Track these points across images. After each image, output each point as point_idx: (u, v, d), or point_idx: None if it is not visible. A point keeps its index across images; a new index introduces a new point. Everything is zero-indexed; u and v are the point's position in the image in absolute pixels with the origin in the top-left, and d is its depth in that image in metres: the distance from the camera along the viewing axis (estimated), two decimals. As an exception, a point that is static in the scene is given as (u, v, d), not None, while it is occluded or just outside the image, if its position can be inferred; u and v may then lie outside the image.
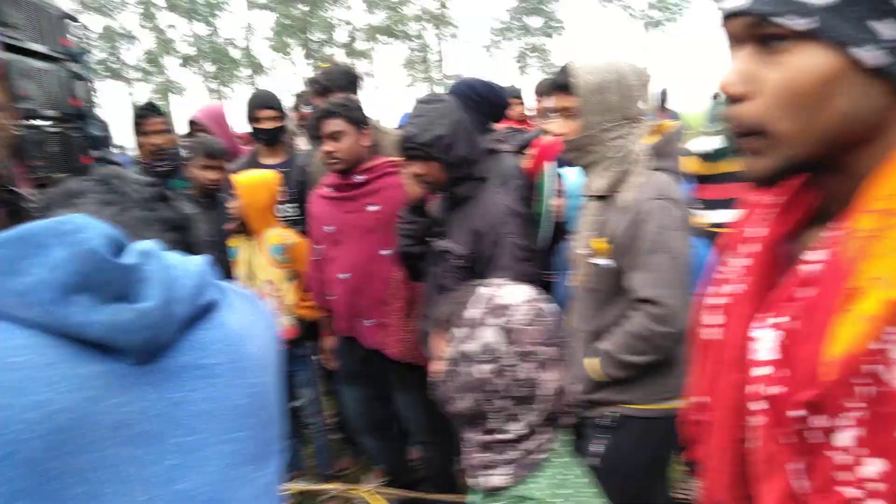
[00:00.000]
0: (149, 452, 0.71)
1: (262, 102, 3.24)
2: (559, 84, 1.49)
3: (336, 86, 2.75)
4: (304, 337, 2.83)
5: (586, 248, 1.54)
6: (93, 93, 2.50)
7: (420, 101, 1.93)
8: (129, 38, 26.39)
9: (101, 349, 0.69)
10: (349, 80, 2.82)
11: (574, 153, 1.52)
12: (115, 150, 5.90)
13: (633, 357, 1.46)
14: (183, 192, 3.04)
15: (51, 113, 2.11)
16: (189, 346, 0.77)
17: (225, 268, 3.01)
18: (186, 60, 26.48)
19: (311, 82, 2.91)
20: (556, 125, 1.50)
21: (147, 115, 3.12)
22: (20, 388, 0.64)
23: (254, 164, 3.37)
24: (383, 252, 2.19)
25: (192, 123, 4.07)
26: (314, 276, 2.65)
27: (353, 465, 3.04)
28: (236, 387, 0.80)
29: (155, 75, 26.23)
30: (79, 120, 2.45)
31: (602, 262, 1.50)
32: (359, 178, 2.19)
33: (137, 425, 0.71)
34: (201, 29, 26.66)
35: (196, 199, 3.04)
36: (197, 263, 0.82)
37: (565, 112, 1.48)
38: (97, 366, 0.69)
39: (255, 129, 3.29)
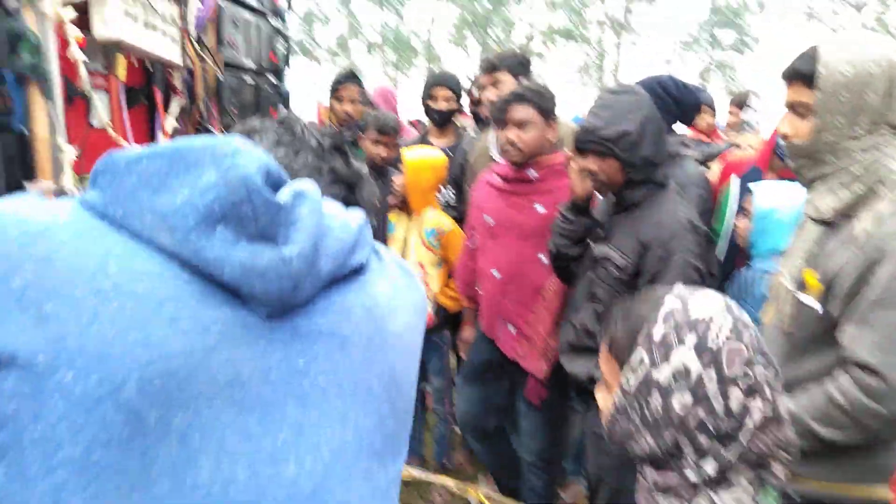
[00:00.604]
0: (261, 422, 0.61)
1: (440, 81, 3.25)
2: (799, 73, 1.19)
3: (505, 65, 2.66)
4: (442, 325, 2.77)
5: (794, 280, 1.25)
6: (289, 52, 2.62)
7: (608, 92, 1.77)
8: (325, 20, 28.37)
9: (232, 293, 0.60)
10: (520, 63, 2.71)
11: (801, 161, 1.23)
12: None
13: (826, 429, 1.16)
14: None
15: (250, 64, 2.22)
16: (328, 307, 0.66)
17: (382, 241, 3.07)
18: (371, 47, 27.99)
19: (483, 61, 2.85)
20: (785, 123, 1.25)
21: (344, 82, 3.24)
22: (135, 321, 0.55)
23: (423, 143, 3.43)
24: (541, 257, 2.03)
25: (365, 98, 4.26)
26: (464, 264, 2.55)
27: (470, 462, 2.96)
28: (373, 364, 0.68)
29: (342, 58, 27.98)
30: (274, 75, 2.58)
31: (810, 301, 1.21)
32: (532, 173, 2.04)
33: (254, 387, 0.60)
34: (390, 18, 28.06)
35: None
36: (357, 220, 0.71)
37: (799, 108, 1.20)
38: (225, 311, 0.60)
39: (428, 107, 3.31)
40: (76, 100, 1.45)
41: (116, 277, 0.56)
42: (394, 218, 3.11)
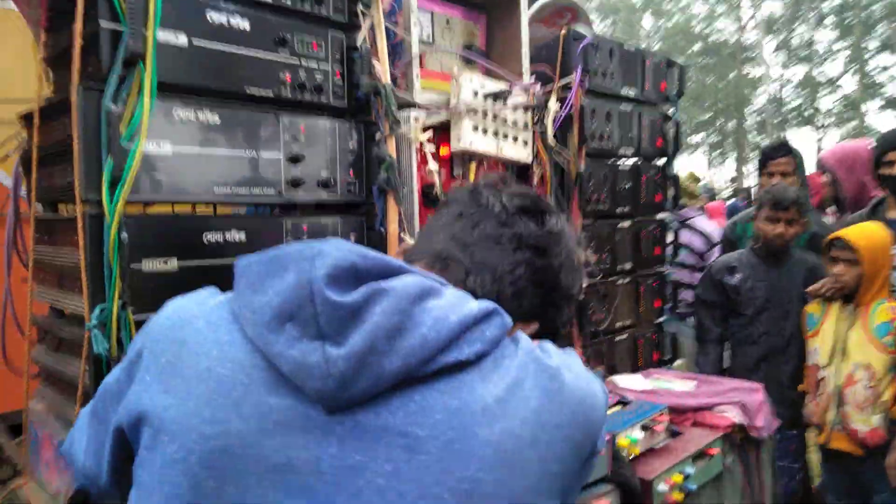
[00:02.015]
0: None
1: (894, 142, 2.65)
2: None
3: None
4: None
5: None
6: (679, 135, 2.57)
7: None
8: (830, 84, 25.66)
9: (297, 386, 0.65)
10: None
11: None
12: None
13: None
14: (753, 241, 2.80)
15: (625, 151, 2.31)
16: (402, 406, 0.65)
17: (789, 333, 2.62)
18: (890, 103, 23.80)
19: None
20: None
21: (774, 155, 2.99)
22: (210, 400, 0.65)
23: (875, 216, 2.83)
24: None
25: (819, 164, 3.68)
26: None
27: None
28: (443, 473, 0.63)
29: (849, 120, 24.69)
30: (663, 158, 2.58)
31: None
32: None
33: (303, 475, 0.63)
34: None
35: (757, 251, 2.74)
36: (465, 311, 0.68)
37: None
38: (288, 401, 0.64)
39: (882, 175, 2.75)
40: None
41: (213, 362, 0.67)
42: (815, 309, 2.62)
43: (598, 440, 0.76)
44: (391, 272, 0.69)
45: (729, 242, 3.21)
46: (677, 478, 1.61)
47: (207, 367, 0.67)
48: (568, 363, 0.76)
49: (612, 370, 2.32)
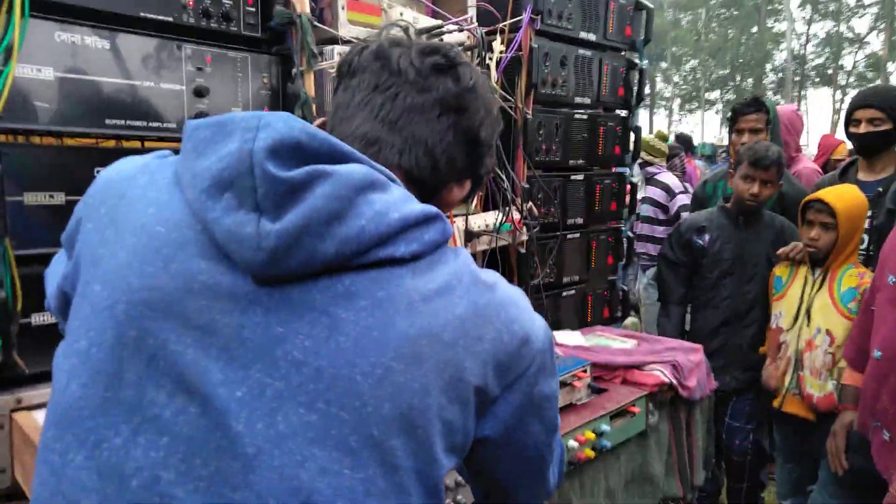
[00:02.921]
0: (222, 371, 0.64)
1: (863, 101, 2.53)
2: None
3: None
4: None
5: None
6: (642, 85, 2.46)
7: None
8: (857, 41, 24.79)
9: (227, 252, 0.66)
10: None
11: None
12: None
13: None
14: (723, 201, 2.71)
15: (582, 100, 2.23)
16: (330, 287, 0.66)
17: (753, 297, 2.57)
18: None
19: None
20: None
21: (745, 111, 2.88)
22: (140, 255, 0.67)
23: (846, 179, 2.74)
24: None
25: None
26: (859, 326, 2.11)
27: None
28: (358, 356, 0.65)
29: (872, 80, 23.91)
30: (626, 109, 2.49)
31: None
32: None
33: (224, 339, 0.64)
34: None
35: (730, 211, 2.65)
36: (408, 211, 0.69)
37: None
38: (219, 266, 0.66)
39: (850, 133, 2.64)
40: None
41: (149, 219, 0.68)
42: (782, 272, 2.56)
43: (536, 375, 0.76)
44: (338, 157, 0.68)
45: (698, 201, 3.12)
46: (590, 435, 1.59)
47: (143, 224, 0.68)
48: (498, 282, 0.76)
49: (557, 325, 2.28)
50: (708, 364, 2.11)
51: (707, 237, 2.63)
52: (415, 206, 0.70)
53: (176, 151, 0.75)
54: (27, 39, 1.19)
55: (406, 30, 0.89)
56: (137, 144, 1.48)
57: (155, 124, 1.39)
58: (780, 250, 2.53)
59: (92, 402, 0.65)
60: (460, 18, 1.79)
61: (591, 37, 2.25)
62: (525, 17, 1.96)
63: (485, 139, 0.85)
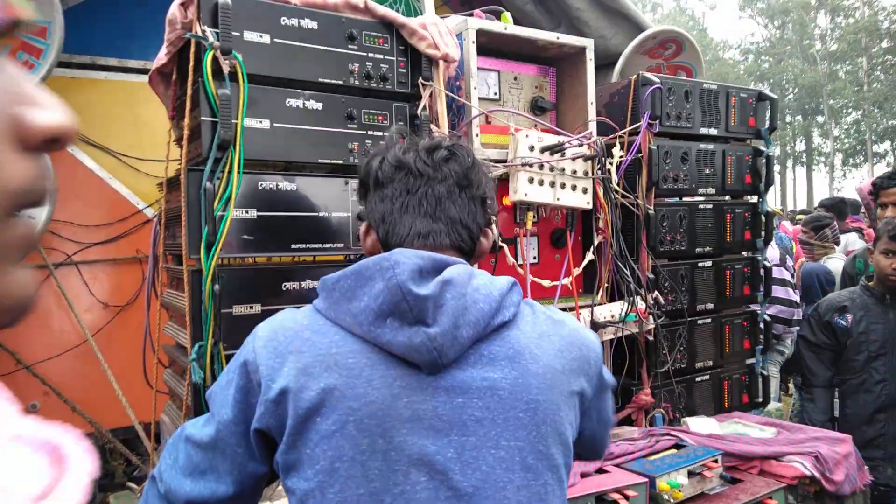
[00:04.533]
0: (435, 443, 0.88)
1: None
2: None
3: None
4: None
5: None
6: (770, 170, 2.50)
7: None
8: None
9: (403, 360, 0.91)
10: None
11: None
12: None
13: None
14: (865, 283, 2.59)
15: (707, 190, 2.33)
16: (478, 359, 0.92)
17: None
18: None
19: None
20: None
21: (886, 185, 2.81)
22: (350, 381, 0.89)
23: None
24: None
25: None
26: None
27: None
28: (517, 401, 0.92)
29: None
30: (756, 196, 2.53)
31: None
32: None
33: (428, 420, 0.89)
34: None
35: (872, 290, 2.53)
36: (499, 286, 0.96)
37: None
38: (402, 371, 0.90)
39: None
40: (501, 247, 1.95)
41: (336, 357, 0.92)
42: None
43: (601, 369, 1.07)
44: (442, 265, 0.94)
45: (849, 278, 2.98)
46: (722, 526, 1.62)
47: (334, 361, 0.91)
48: (565, 318, 1.06)
49: (692, 412, 2.30)
50: (859, 455, 2.02)
51: (850, 317, 2.53)
52: (501, 280, 0.98)
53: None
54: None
55: (402, 133, 1.13)
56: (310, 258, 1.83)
57: (326, 245, 1.72)
58: None
59: (352, 499, 0.88)
60: (581, 135, 2.00)
61: (713, 131, 2.36)
62: (643, 123, 2.13)
63: (490, 195, 1.10)
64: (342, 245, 1.74)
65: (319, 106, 1.71)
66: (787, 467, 1.83)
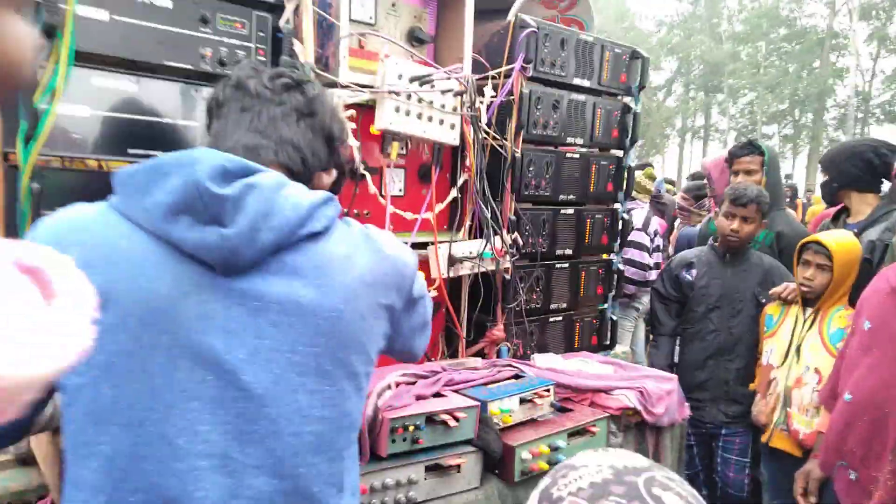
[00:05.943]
0: (225, 344, 0.88)
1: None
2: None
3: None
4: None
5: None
6: (636, 128, 2.60)
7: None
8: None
9: (197, 259, 0.88)
10: None
11: None
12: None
13: None
14: (712, 242, 2.81)
15: (575, 140, 2.44)
16: (281, 268, 0.91)
17: (738, 333, 2.65)
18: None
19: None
20: None
21: (739, 153, 2.99)
22: (135, 276, 0.87)
23: (837, 224, 2.83)
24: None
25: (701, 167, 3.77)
26: (832, 377, 2.22)
27: None
28: (319, 308, 0.92)
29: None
30: (621, 150, 2.62)
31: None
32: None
33: (219, 321, 0.88)
34: None
35: (716, 249, 2.75)
36: (312, 198, 0.94)
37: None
38: (195, 269, 0.88)
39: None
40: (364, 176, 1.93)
41: (123, 251, 0.88)
42: (774, 310, 2.64)
43: (414, 285, 1.10)
44: (251, 171, 0.92)
45: (703, 238, 3.21)
46: (544, 449, 1.72)
47: (121, 256, 0.88)
48: (381, 235, 1.06)
49: (544, 349, 2.42)
50: (682, 393, 2.21)
51: (694, 272, 2.74)
52: (317, 193, 0.96)
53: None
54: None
55: (255, 66, 1.12)
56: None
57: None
58: (773, 290, 2.62)
59: (128, 394, 0.86)
60: (450, 67, 1.99)
61: (586, 83, 2.41)
62: (516, 64, 2.14)
63: (335, 133, 1.09)
64: (188, 156, 1.65)
65: (169, 3, 1.59)
66: (614, 399, 1.98)
